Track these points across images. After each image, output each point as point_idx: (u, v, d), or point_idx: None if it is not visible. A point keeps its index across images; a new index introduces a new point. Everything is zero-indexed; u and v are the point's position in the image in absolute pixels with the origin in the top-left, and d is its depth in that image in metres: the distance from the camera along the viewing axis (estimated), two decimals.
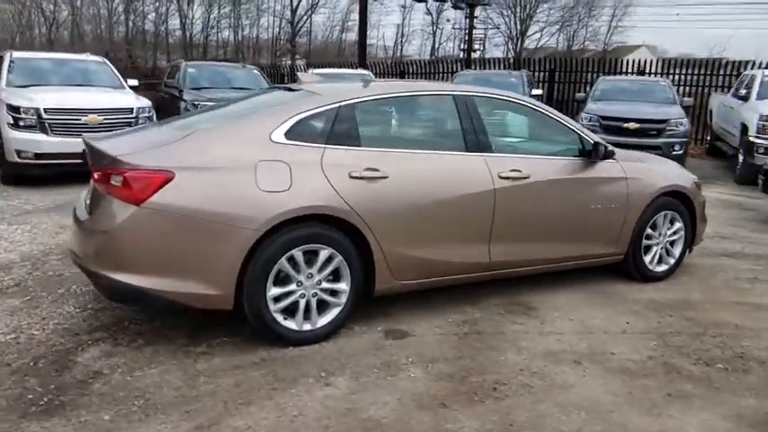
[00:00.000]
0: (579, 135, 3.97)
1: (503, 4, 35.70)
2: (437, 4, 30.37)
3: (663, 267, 4.40)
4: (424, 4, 26.19)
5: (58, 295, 3.78)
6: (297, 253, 3.02)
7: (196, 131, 3.08)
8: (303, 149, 3.09)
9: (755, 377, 3.02)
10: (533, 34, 38.81)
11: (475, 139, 3.55)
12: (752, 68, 12.15)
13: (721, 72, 13.57)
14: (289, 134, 3.10)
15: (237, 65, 11.29)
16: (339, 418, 2.52)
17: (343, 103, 3.25)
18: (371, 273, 3.25)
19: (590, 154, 3.91)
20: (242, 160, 2.95)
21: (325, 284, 3.14)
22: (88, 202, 3.21)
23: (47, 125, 6.72)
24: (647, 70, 14.23)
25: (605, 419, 2.60)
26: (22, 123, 6.70)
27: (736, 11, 51.17)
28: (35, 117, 6.70)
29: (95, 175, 3.03)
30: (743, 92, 9.44)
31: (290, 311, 3.09)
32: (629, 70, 14.51)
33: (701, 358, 3.21)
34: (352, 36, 36.94)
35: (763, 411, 2.70)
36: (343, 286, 3.18)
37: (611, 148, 3.97)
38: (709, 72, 13.69)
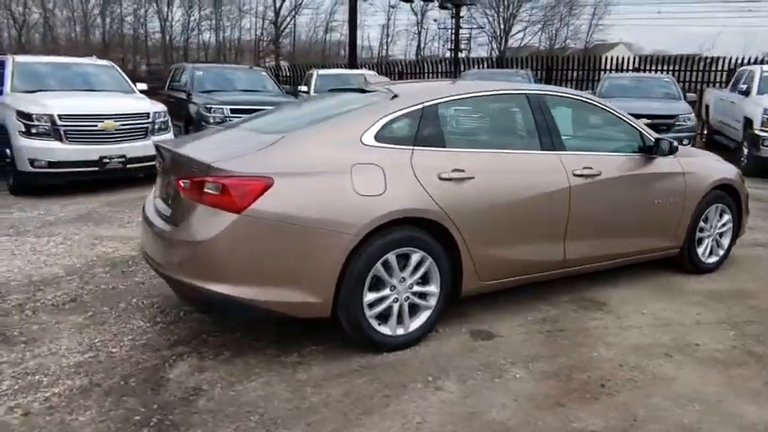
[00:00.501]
0: (640, 132, 4.00)
1: (486, 4, 36.06)
2: (422, 3, 30.48)
3: (714, 259, 4.48)
4: (409, 4, 26.18)
5: (120, 310, 3.65)
6: (391, 257, 2.97)
7: (287, 135, 2.99)
8: (393, 152, 3.04)
9: None
10: (517, 33, 39.29)
11: (549, 138, 3.55)
12: (741, 65, 12.61)
13: (696, 68, 14.33)
14: (378, 136, 3.04)
15: (244, 66, 11.10)
16: (464, 423, 2.49)
17: (426, 104, 3.21)
18: (458, 274, 3.22)
19: (650, 150, 3.96)
20: (338, 164, 2.89)
21: (416, 288, 3.10)
22: (168, 211, 3.12)
23: (61, 132, 6.52)
24: (640, 67, 14.60)
25: (719, 410, 2.63)
26: (34, 131, 6.47)
27: (713, 9, 52.69)
28: (49, 124, 6.48)
29: (181, 183, 2.92)
30: (743, 87, 9.66)
31: (382, 317, 3.05)
32: (613, 67, 14.88)
33: None
34: (337, 36, 36.93)
35: None
36: (433, 289, 3.15)
37: (675, 144, 4.01)
38: (688, 68, 14.34)
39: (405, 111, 3.15)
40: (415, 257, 3.04)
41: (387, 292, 3.01)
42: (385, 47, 43.11)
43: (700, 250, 4.38)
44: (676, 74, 14.00)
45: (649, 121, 8.90)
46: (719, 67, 14.17)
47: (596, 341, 3.28)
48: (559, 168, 3.51)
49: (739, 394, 2.77)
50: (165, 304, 3.71)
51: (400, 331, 3.08)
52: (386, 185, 2.93)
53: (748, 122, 8.84)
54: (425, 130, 3.18)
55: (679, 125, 8.99)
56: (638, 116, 8.81)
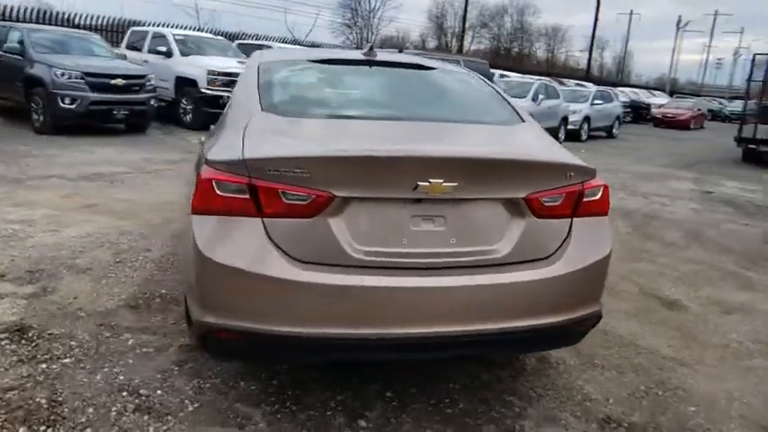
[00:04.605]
0: None
1: None
2: None
3: None
4: None
5: None
6: None
7: (519, 125, 2.47)
8: None
9: None
10: None
11: None
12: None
13: None
14: None
15: None
16: None
17: None
18: None
19: None
20: None
21: None
22: (497, 250, 1.98)
23: None
24: None
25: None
26: None
27: None
28: None
29: (542, 201, 2.01)
30: (163, 48, 10.02)
31: None
32: None
33: None
34: None
35: None
36: None
37: None
38: None
39: None
40: None
41: None
42: None
43: None
44: None
45: (125, 81, 8.31)
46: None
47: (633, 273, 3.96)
48: None
49: None
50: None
51: None
52: None
53: (187, 82, 9.63)
54: None
55: (148, 85, 8.68)
56: (111, 76, 8.09)
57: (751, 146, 11.69)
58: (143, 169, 6.35)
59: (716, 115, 30.07)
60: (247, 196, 1.83)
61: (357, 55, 2.92)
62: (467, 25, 38.79)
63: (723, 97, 40.33)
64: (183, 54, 9.95)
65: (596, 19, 33.11)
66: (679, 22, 45.37)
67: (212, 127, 4.10)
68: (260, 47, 12.27)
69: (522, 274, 2.00)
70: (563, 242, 2.10)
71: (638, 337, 2.99)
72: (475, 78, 2.95)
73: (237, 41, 12.84)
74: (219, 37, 12.27)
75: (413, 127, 2.30)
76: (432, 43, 44.38)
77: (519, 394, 2.40)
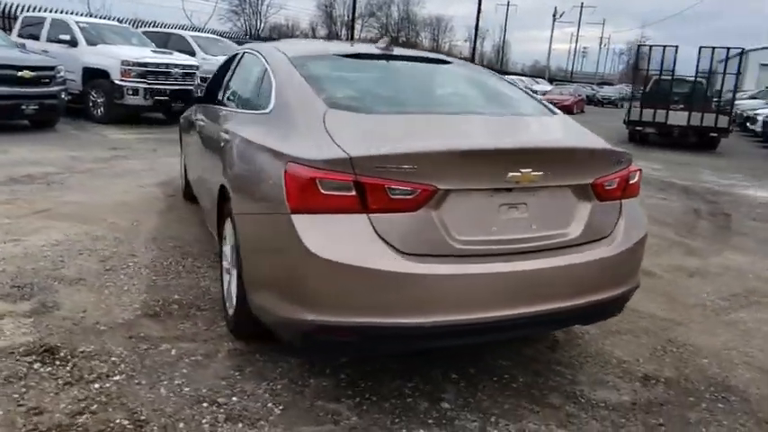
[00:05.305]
0: None
1: None
2: None
3: None
4: None
5: None
6: None
7: (555, 116, 2.63)
8: None
9: None
10: None
11: None
12: None
13: None
14: None
15: None
16: None
17: None
18: None
19: None
20: None
21: None
22: (571, 231, 2.15)
23: None
24: None
25: None
26: None
27: None
28: None
29: (605, 185, 2.21)
30: (66, 37, 9.01)
31: None
32: None
33: None
34: None
35: None
36: None
37: None
38: None
39: None
40: None
41: None
42: None
43: None
44: None
45: (34, 73, 7.55)
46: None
47: None
48: None
49: None
50: None
51: None
52: None
53: (97, 73, 8.84)
54: None
55: (59, 77, 7.87)
56: (18, 67, 7.31)
57: (638, 128, 12.97)
58: (75, 169, 5.85)
59: (590, 100, 32.75)
60: (353, 193, 1.84)
61: (373, 49, 2.94)
62: (356, 14, 39.08)
63: (592, 83, 44.08)
64: (90, 43, 9.16)
65: (479, 10, 34.84)
66: (555, 13, 48.70)
67: (187, 123, 3.92)
68: (168, 36, 11.64)
69: (591, 253, 2.19)
70: (616, 222, 2.31)
71: (636, 304, 3.30)
72: (491, 72, 3.09)
73: (142, 30, 11.99)
74: (125, 24, 11.46)
75: (483, 120, 2.42)
76: (322, 32, 44.44)
77: (564, 364, 2.60)
